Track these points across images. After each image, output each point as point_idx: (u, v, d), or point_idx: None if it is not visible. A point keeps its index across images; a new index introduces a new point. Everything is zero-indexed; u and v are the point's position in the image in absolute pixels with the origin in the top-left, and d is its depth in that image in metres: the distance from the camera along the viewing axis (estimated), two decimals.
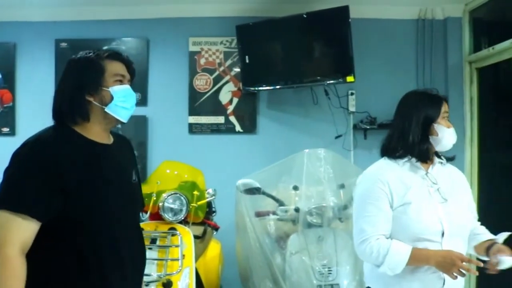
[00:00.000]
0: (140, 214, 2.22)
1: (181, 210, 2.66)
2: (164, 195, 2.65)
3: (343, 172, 2.84)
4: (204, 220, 2.96)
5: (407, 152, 1.84)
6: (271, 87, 3.86)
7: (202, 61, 4.04)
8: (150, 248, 2.37)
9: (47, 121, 3.96)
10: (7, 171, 1.48)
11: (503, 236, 1.83)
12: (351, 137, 4.00)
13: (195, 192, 2.78)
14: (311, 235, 2.68)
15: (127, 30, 4.01)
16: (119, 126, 1.80)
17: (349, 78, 3.59)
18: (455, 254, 1.69)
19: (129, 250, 1.63)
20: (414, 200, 1.77)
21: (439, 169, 1.89)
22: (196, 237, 2.72)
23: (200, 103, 4.03)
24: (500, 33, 3.58)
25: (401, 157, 1.85)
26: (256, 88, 3.89)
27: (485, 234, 1.90)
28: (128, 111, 1.64)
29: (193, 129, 4.04)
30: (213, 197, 2.98)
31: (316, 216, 2.71)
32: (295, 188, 2.79)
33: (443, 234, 1.75)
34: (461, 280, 1.73)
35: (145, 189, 2.47)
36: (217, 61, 4.04)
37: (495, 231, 1.89)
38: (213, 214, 3.19)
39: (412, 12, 4.03)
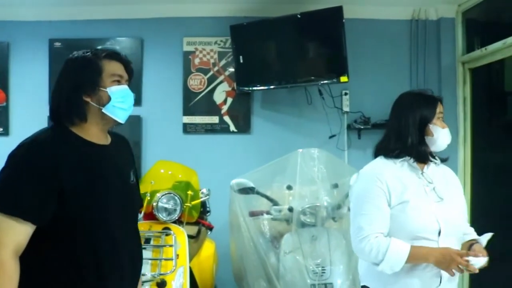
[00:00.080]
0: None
1: (175, 210, 2.66)
2: (158, 194, 2.65)
3: (337, 172, 2.85)
4: (198, 219, 2.97)
5: (405, 153, 1.86)
6: (265, 87, 3.87)
7: (196, 61, 4.04)
8: (144, 248, 2.36)
9: (41, 121, 3.96)
10: (2, 173, 1.47)
11: (486, 237, 1.85)
12: (345, 137, 4.01)
13: (189, 192, 2.78)
14: (305, 234, 2.69)
15: (121, 29, 4.00)
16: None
17: (343, 78, 3.60)
18: (453, 251, 1.73)
19: (128, 251, 1.62)
20: (412, 199, 1.79)
21: (434, 169, 1.91)
22: (190, 236, 2.72)
23: (194, 103, 4.03)
24: (492, 34, 3.60)
25: (398, 156, 1.87)
26: (250, 88, 3.89)
27: (471, 235, 1.92)
28: (126, 111, 1.62)
29: (188, 129, 4.04)
30: (207, 197, 2.99)
31: (309, 215, 2.71)
32: (289, 187, 2.79)
33: (439, 233, 1.77)
34: (456, 277, 1.77)
35: (139, 188, 2.47)
36: (211, 61, 4.04)
37: (487, 230, 1.90)
38: (207, 214, 3.20)
39: (406, 13, 4.05)
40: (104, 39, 3.94)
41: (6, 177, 1.45)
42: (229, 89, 4.04)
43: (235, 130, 4.04)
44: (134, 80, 1.76)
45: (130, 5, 3.93)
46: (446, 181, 1.92)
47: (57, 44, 3.97)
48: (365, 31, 4.00)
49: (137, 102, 3.87)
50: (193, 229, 2.88)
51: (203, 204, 3.06)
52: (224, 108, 4.04)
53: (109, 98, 1.57)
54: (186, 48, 4.04)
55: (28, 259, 1.43)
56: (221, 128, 4.04)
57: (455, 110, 3.94)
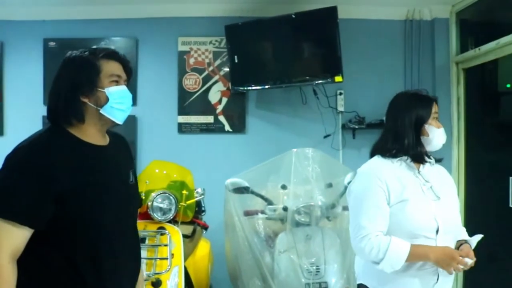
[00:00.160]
0: None
1: (170, 209, 2.65)
2: (153, 194, 2.65)
3: (331, 171, 2.86)
4: (193, 219, 2.97)
5: (402, 152, 1.88)
6: (260, 87, 3.87)
7: (191, 60, 4.04)
8: None
9: (36, 121, 3.94)
10: None
11: (476, 238, 1.89)
12: (340, 136, 4.03)
13: (184, 192, 2.79)
14: (299, 233, 2.69)
15: (116, 29, 4.00)
16: None
17: (338, 78, 3.61)
18: (454, 250, 1.78)
19: (127, 251, 1.62)
20: (411, 197, 1.81)
21: (429, 168, 1.93)
22: (185, 236, 2.72)
23: (189, 102, 4.04)
24: (486, 34, 3.62)
25: (395, 156, 1.89)
26: (245, 88, 3.89)
27: (462, 234, 1.94)
28: (124, 112, 1.60)
29: (183, 128, 4.04)
30: (202, 196, 2.99)
31: (304, 215, 2.72)
32: (284, 187, 2.80)
33: (437, 231, 1.79)
34: (452, 275, 1.80)
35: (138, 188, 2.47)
36: (206, 61, 4.04)
37: (480, 229, 1.93)
38: (202, 214, 3.21)
39: (400, 13, 4.06)
40: (99, 38, 3.93)
41: (3, 180, 1.42)
42: (224, 89, 4.04)
43: (230, 130, 4.04)
44: None
45: (125, 5, 3.93)
46: (441, 180, 1.94)
47: (52, 43, 3.96)
48: (360, 31, 4.02)
49: (132, 102, 3.86)
50: (188, 229, 2.89)
51: (198, 204, 3.07)
52: (219, 108, 4.05)
53: (107, 99, 1.54)
54: (181, 48, 4.04)
55: (26, 261, 1.42)
56: (216, 128, 4.04)
57: (449, 110, 3.97)
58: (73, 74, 1.53)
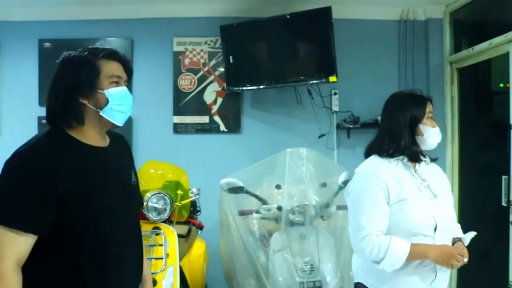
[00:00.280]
0: None
1: (165, 209, 2.66)
2: (148, 194, 2.66)
3: (325, 171, 2.87)
4: (188, 219, 2.98)
5: (399, 152, 1.89)
6: (255, 87, 3.88)
7: (187, 61, 4.05)
8: None
9: (31, 121, 3.95)
10: None
11: (469, 236, 1.91)
12: (335, 136, 4.04)
13: (179, 192, 2.80)
14: (294, 233, 2.71)
15: (111, 30, 4.00)
16: None
17: (332, 78, 3.62)
18: (452, 247, 1.81)
19: (131, 253, 1.61)
20: (410, 197, 1.83)
21: (425, 167, 1.94)
22: (180, 236, 2.73)
23: (184, 103, 4.04)
24: (479, 34, 3.65)
25: (392, 156, 1.90)
26: (240, 88, 3.90)
27: (456, 231, 1.96)
28: (125, 114, 1.56)
29: (178, 129, 4.05)
30: (197, 196, 3.01)
31: (298, 214, 2.73)
32: (278, 187, 2.81)
33: (435, 229, 1.81)
34: (448, 271, 1.85)
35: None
36: (202, 61, 4.05)
37: (474, 227, 1.95)
38: (197, 213, 3.22)
39: (394, 13, 4.08)
40: (94, 39, 3.93)
41: (4, 187, 1.39)
42: (219, 89, 4.05)
43: (225, 130, 4.06)
44: None
45: (120, 5, 3.93)
46: (436, 178, 1.96)
47: (47, 44, 3.96)
48: (354, 31, 4.03)
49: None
50: (184, 229, 2.90)
51: (193, 204, 3.08)
52: (214, 108, 4.06)
53: (107, 101, 1.50)
54: (176, 48, 4.05)
55: (30, 267, 1.39)
56: (212, 128, 4.05)
57: (443, 110, 3.99)
58: (72, 74, 1.49)
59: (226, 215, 2.92)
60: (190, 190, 3.02)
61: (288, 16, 3.68)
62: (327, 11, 3.55)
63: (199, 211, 3.21)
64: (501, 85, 3.61)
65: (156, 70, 4.03)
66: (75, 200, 1.41)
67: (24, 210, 1.36)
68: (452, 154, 3.98)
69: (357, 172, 1.94)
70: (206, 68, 4.06)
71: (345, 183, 2.71)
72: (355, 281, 2.00)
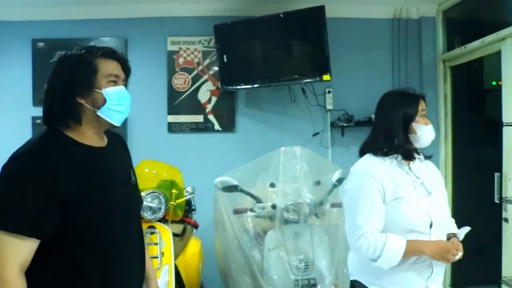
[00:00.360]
0: None
1: (159, 208, 2.66)
2: (142, 194, 2.65)
3: (319, 169, 2.89)
4: (183, 218, 2.99)
5: (393, 151, 1.90)
6: (249, 86, 3.88)
7: (181, 60, 4.05)
8: None
9: (25, 122, 3.93)
10: None
11: (464, 231, 1.93)
12: (329, 134, 4.05)
13: (174, 191, 2.80)
14: (288, 231, 2.72)
15: (105, 29, 3.99)
16: None
17: (326, 77, 3.63)
18: (447, 243, 1.83)
19: (134, 253, 1.60)
20: (405, 195, 1.84)
21: (419, 165, 1.96)
22: (175, 235, 2.74)
23: (179, 102, 4.05)
24: (472, 33, 3.67)
25: (386, 154, 1.91)
26: (235, 87, 3.91)
27: (450, 226, 1.98)
28: (122, 114, 1.53)
29: (172, 128, 4.05)
30: (192, 195, 3.01)
31: (292, 212, 2.75)
32: (272, 185, 2.82)
33: (431, 226, 1.83)
34: (443, 267, 1.88)
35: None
36: (196, 60, 4.06)
37: (467, 223, 1.96)
38: (192, 212, 3.22)
39: (387, 12, 4.10)
40: (88, 39, 3.93)
41: (4, 191, 1.36)
42: (214, 88, 4.06)
43: (220, 129, 4.06)
44: None
45: (114, 5, 3.92)
46: (430, 175, 1.97)
47: (40, 44, 3.94)
48: (348, 30, 4.05)
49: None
50: (179, 227, 2.90)
51: (188, 203, 3.08)
52: (209, 107, 4.06)
53: (105, 100, 1.47)
54: (170, 47, 4.05)
55: (31, 272, 1.37)
56: (206, 127, 4.06)
57: (436, 107, 4.01)
58: (69, 73, 1.46)
59: (221, 214, 2.93)
60: (185, 189, 3.02)
61: (282, 15, 3.68)
62: (320, 10, 3.55)
63: (194, 210, 3.21)
64: (494, 83, 3.64)
65: (150, 70, 4.02)
66: (77, 202, 1.39)
67: (26, 214, 1.33)
68: (445, 151, 4.01)
69: (352, 171, 1.95)
70: (200, 67, 4.06)
71: (339, 181, 2.74)
72: (351, 278, 2.01)
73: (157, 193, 2.68)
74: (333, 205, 2.81)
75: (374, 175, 1.85)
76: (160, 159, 3.18)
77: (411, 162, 1.94)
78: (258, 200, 2.85)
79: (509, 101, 3.10)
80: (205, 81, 4.06)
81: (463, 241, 1.90)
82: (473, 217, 3.37)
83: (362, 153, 2.00)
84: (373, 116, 2.06)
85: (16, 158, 1.39)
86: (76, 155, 1.44)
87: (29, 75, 3.93)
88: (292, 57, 3.83)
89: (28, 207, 1.33)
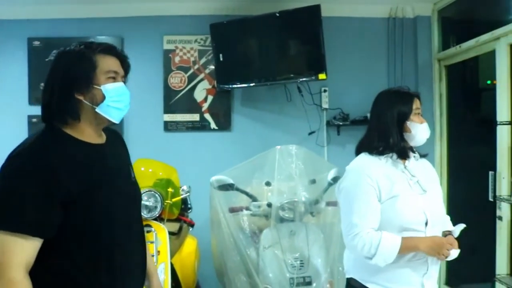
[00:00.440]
0: None
1: (155, 207, 2.67)
2: None
3: (315, 168, 2.89)
4: (179, 216, 2.99)
5: (389, 150, 1.91)
6: (245, 85, 3.89)
7: (177, 59, 4.05)
8: None
9: (21, 120, 3.91)
10: None
11: (459, 228, 1.94)
12: (324, 133, 4.06)
13: (170, 189, 2.81)
14: (284, 229, 2.73)
15: (101, 28, 3.99)
16: None
17: (321, 76, 3.64)
18: (442, 238, 1.84)
19: (136, 250, 1.58)
20: (401, 193, 1.85)
21: (414, 163, 1.97)
22: (171, 233, 2.74)
23: (175, 101, 4.05)
24: (467, 32, 3.69)
25: (382, 153, 1.92)
26: (231, 86, 3.92)
27: (446, 224, 1.99)
28: (121, 111, 1.50)
29: (168, 127, 4.06)
30: (188, 194, 3.02)
31: (288, 211, 2.75)
32: (268, 184, 2.82)
33: (426, 224, 1.83)
34: (438, 264, 1.89)
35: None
36: (192, 59, 4.06)
37: (462, 221, 1.97)
38: (188, 211, 3.22)
39: (383, 11, 4.11)
40: (84, 38, 3.90)
41: (5, 191, 1.33)
42: (210, 87, 4.06)
43: (216, 128, 4.07)
44: None
45: (110, 4, 3.92)
46: (426, 173, 1.98)
47: (36, 43, 3.94)
48: (343, 29, 4.06)
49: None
50: (175, 226, 2.90)
51: (184, 201, 3.09)
52: (205, 106, 4.07)
53: (104, 97, 1.44)
54: (166, 46, 4.05)
55: (33, 272, 1.34)
56: (202, 126, 4.07)
57: (431, 106, 4.03)
58: (68, 69, 1.43)
59: (216, 212, 2.93)
60: (181, 187, 3.03)
61: (278, 14, 3.69)
62: (316, 9, 3.56)
63: (190, 208, 3.22)
64: (489, 82, 3.65)
65: (146, 69, 4.01)
66: (78, 200, 1.37)
67: (29, 213, 1.31)
68: (440, 150, 4.03)
69: (348, 170, 1.96)
70: (196, 66, 4.06)
71: (335, 179, 2.75)
72: (347, 276, 2.02)
73: (153, 192, 2.68)
74: (328, 204, 2.82)
75: (370, 174, 1.86)
76: (156, 158, 3.18)
77: (406, 161, 1.95)
78: (253, 198, 2.86)
79: (503, 100, 3.12)
80: (201, 80, 4.07)
81: (459, 239, 1.91)
82: (468, 215, 3.40)
83: (358, 152, 2.01)
84: (368, 115, 2.08)
85: (15, 157, 1.37)
86: (75, 152, 1.42)
87: (25, 74, 3.93)
88: (288, 56, 3.83)
89: (30, 206, 1.31)
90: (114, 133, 1.66)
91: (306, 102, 3.99)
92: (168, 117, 4.05)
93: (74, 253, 1.40)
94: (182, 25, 4.04)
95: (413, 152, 1.98)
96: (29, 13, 3.95)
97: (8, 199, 1.32)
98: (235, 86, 3.92)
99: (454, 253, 1.83)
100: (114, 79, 1.48)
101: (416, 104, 1.93)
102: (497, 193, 3.05)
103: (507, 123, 3.05)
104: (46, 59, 3.69)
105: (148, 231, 2.54)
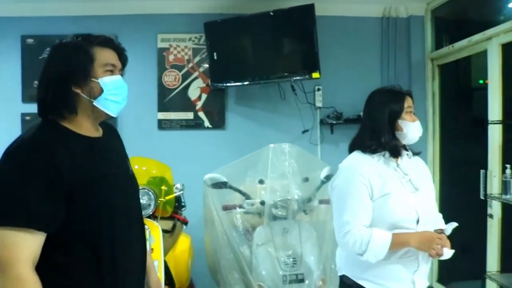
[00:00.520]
0: None
1: (149, 205, 2.68)
2: None
3: (308, 166, 2.90)
4: (173, 214, 2.99)
5: (381, 148, 1.92)
6: (239, 83, 3.90)
7: (171, 57, 4.06)
8: None
9: (14, 118, 3.89)
10: (1, 182, 1.31)
11: (451, 226, 1.96)
12: (318, 131, 4.08)
13: (163, 187, 2.81)
14: (277, 227, 2.74)
15: (95, 26, 3.97)
16: None
17: (315, 75, 3.66)
18: (432, 232, 1.85)
19: (138, 243, 1.56)
20: (392, 191, 1.86)
21: (407, 161, 1.98)
22: (165, 231, 2.75)
23: (169, 99, 4.06)
24: (459, 32, 3.72)
25: (374, 151, 1.93)
26: (225, 84, 3.92)
27: (438, 222, 2.01)
28: (120, 105, 1.48)
29: (163, 125, 4.06)
30: (181, 192, 3.02)
31: (281, 208, 2.76)
32: (261, 182, 2.82)
33: (418, 222, 1.85)
34: (429, 261, 1.91)
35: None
36: (186, 57, 4.06)
37: (454, 220, 1.99)
38: (182, 209, 3.23)
39: (377, 10, 4.13)
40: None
41: (8, 187, 1.30)
42: (204, 85, 4.06)
43: (210, 126, 4.08)
44: None
45: (104, 2, 3.92)
46: (418, 171, 2.00)
47: (30, 40, 3.93)
48: (337, 28, 4.07)
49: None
50: (168, 224, 2.91)
51: (178, 199, 3.09)
52: (199, 104, 4.07)
53: (101, 90, 1.42)
54: (161, 44, 4.06)
55: (37, 270, 1.31)
56: (196, 124, 4.07)
57: (424, 105, 4.05)
58: (64, 61, 1.41)
59: (210, 210, 2.94)
60: (175, 185, 3.03)
61: (272, 13, 3.70)
62: (310, 8, 3.58)
63: (183, 206, 3.22)
64: (481, 81, 3.68)
65: (140, 67, 4.01)
66: (80, 193, 1.35)
67: (33, 208, 1.28)
68: (433, 148, 4.06)
69: (341, 168, 1.97)
70: (190, 65, 4.07)
71: (327, 177, 2.76)
72: (339, 274, 2.04)
73: (146, 190, 2.69)
74: (321, 202, 2.83)
75: (362, 173, 1.87)
76: (150, 156, 3.18)
77: (399, 159, 1.96)
78: (247, 196, 2.86)
79: (495, 100, 3.15)
80: (195, 78, 4.07)
81: (451, 237, 1.93)
82: (460, 213, 3.43)
83: (351, 150, 2.02)
84: (362, 114, 2.08)
85: (16, 152, 1.33)
86: (75, 146, 1.39)
87: (18, 71, 3.92)
88: (282, 54, 3.85)
89: (34, 200, 1.28)
90: (109, 127, 1.64)
91: (300, 101, 4.00)
92: (162, 115, 4.06)
93: (75, 247, 1.38)
94: (177, 23, 4.04)
95: (406, 150, 2.00)
96: (22, 10, 3.93)
97: (11, 193, 1.29)
98: (229, 84, 3.92)
99: (448, 253, 1.83)
100: (111, 72, 1.46)
101: (408, 102, 1.93)
102: (488, 192, 3.07)
103: (498, 122, 3.08)
104: (40, 57, 3.68)
105: None
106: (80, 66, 1.40)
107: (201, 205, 3.15)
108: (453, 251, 1.84)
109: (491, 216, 3.12)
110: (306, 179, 2.86)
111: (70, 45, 1.44)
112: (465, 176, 3.73)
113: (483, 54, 3.31)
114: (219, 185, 2.83)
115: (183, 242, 3.20)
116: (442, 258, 1.84)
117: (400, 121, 1.91)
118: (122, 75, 1.52)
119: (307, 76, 3.72)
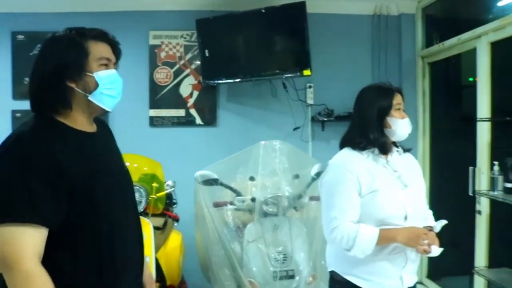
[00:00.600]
0: None
1: (140, 202, 2.68)
2: None
3: (298, 163, 2.91)
4: (164, 211, 3.00)
5: (370, 145, 1.94)
6: (231, 80, 3.90)
7: (163, 54, 4.05)
8: None
9: (5, 115, 3.86)
10: (3, 178, 1.29)
11: (440, 224, 1.97)
12: (309, 129, 4.10)
13: (154, 184, 2.82)
14: (267, 223, 2.75)
15: (86, 23, 3.89)
16: None
17: (306, 72, 3.68)
18: (419, 228, 1.85)
19: (135, 239, 1.56)
20: (381, 188, 1.87)
21: (397, 158, 1.99)
22: (156, 228, 2.75)
23: (160, 96, 4.05)
24: (449, 30, 3.74)
25: (364, 148, 1.94)
26: (216, 82, 3.93)
27: (427, 219, 2.03)
28: (115, 99, 1.48)
29: (154, 122, 4.06)
30: (173, 188, 3.03)
31: (271, 205, 2.76)
32: (252, 178, 2.83)
33: (406, 218, 1.86)
34: (418, 259, 1.93)
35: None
36: (178, 54, 4.06)
37: (444, 216, 2.01)
38: (173, 206, 3.24)
39: (368, 8, 4.15)
40: None
41: (10, 182, 1.27)
42: (195, 82, 4.07)
43: (201, 123, 4.08)
44: None
45: None
46: (408, 168, 2.01)
47: (20, 37, 3.91)
48: (328, 25, 4.09)
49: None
50: (159, 221, 2.92)
51: (169, 196, 3.10)
52: (190, 101, 4.07)
53: (96, 84, 1.40)
54: (152, 41, 4.05)
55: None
56: (188, 121, 4.08)
57: (415, 102, 4.09)
58: (58, 55, 1.38)
59: (201, 207, 2.94)
60: (166, 182, 3.04)
61: (263, 10, 3.71)
62: (301, 5, 3.59)
63: (175, 203, 3.23)
64: (470, 79, 3.71)
65: (132, 64, 3.98)
66: (79, 188, 1.34)
67: (36, 203, 1.27)
68: (423, 145, 4.09)
69: (330, 165, 1.99)
70: (182, 62, 4.07)
71: (318, 174, 2.77)
72: (329, 270, 2.05)
73: (137, 187, 2.68)
74: (311, 198, 2.85)
75: (351, 169, 1.89)
76: (141, 153, 3.18)
77: (389, 156, 1.97)
78: (238, 193, 2.87)
79: (484, 97, 3.17)
80: (187, 75, 4.07)
81: (440, 233, 1.94)
82: (449, 209, 3.47)
83: (341, 147, 2.04)
84: (352, 111, 2.10)
85: (14, 148, 1.31)
86: (72, 141, 1.38)
87: (8, 68, 3.90)
88: (273, 52, 3.86)
89: (37, 195, 1.27)
90: (101, 122, 1.63)
91: (291, 98, 4.02)
92: (154, 113, 4.06)
93: (74, 242, 1.36)
94: (168, 20, 4.04)
95: (397, 147, 2.01)
96: (13, 6, 3.91)
97: (13, 189, 1.26)
98: (220, 81, 3.93)
99: (437, 250, 1.84)
100: (106, 66, 1.44)
101: (397, 99, 1.94)
102: (477, 188, 3.10)
103: (487, 119, 3.11)
104: (31, 53, 3.65)
105: None
106: (74, 60, 1.38)
107: (192, 202, 3.16)
108: (441, 249, 1.85)
109: (479, 212, 3.15)
110: (297, 176, 2.87)
111: (63, 39, 1.42)
112: (454, 173, 3.77)
113: (473, 52, 3.34)
114: (210, 182, 2.83)
115: (174, 239, 3.21)
116: (430, 255, 1.85)
117: (388, 118, 1.92)
118: (116, 69, 1.51)
119: (298, 74, 3.73)
